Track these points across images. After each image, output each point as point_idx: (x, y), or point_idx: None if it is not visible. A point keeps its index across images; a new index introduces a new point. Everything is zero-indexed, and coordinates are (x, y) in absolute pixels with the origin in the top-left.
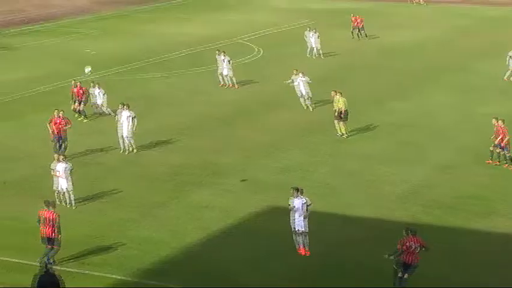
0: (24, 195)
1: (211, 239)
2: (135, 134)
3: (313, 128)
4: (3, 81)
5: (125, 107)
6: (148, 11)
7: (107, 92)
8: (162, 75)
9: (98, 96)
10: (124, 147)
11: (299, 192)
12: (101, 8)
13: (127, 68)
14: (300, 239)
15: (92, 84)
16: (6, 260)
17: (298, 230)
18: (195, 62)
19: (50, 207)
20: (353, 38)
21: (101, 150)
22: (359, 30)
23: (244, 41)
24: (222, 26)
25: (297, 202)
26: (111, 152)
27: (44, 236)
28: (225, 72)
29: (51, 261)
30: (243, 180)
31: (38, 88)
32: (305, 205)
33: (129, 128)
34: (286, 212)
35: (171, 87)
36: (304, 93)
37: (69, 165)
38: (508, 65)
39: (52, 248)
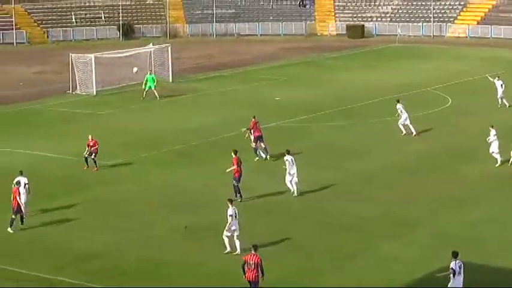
0: (206, 241)
1: None
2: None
3: (504, 182)
4: (189, 126)
5: (286, 152)
6: (337, 58)
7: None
8: (348, 123)
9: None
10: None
11: (453, 255)
12: (289, 55)
13: (313, 115)
14: None
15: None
16: None
17: None
18: (383, 110)
19: (255, 251)
20: None
21: (280, 193)
22: None
23: (434, 90)
24: (412, 74)
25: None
26: (294, 198)
27: (250, 280)
28: (402, 121)
29: None
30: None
31: (225, 133)
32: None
33: (295, 170)
34: (474, 268)
35: (357, 136)
36: (495, 149)
37: (232, 211)
38: None
39: None
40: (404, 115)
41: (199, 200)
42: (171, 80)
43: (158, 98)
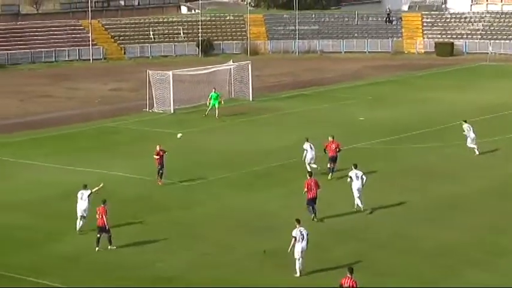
0: (286, 266)
1: None
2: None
3: None
4: (268, 146)
5: (353, 167)
6: (424, 76)
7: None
8: (435, 145)
9: (309, 151)
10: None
11: None
12: (375, 73)
13: (398, 136)
14: None
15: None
16: None
17: None
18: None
19: (351, 274)
20: None
21: (358, 214)
22: None
23: None
24: (503, 94)
25: None
26: (375, 221)
27: None
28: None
29: None
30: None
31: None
32: None
33: (359, 185)
34: None
35: (444, 159)
36: None
37: (296, 232)
38: None
39: None
40: (471, 136)
41: (278, 223)
42: (251, 99)
43: (204, 115)
